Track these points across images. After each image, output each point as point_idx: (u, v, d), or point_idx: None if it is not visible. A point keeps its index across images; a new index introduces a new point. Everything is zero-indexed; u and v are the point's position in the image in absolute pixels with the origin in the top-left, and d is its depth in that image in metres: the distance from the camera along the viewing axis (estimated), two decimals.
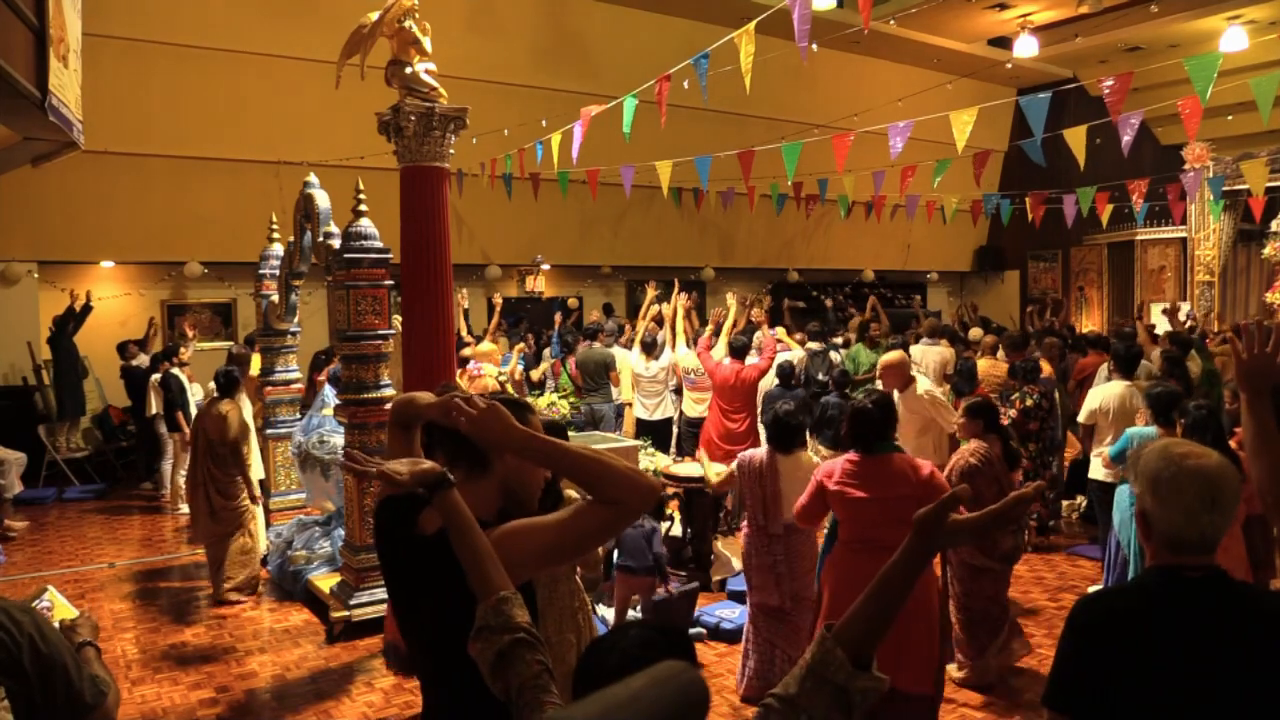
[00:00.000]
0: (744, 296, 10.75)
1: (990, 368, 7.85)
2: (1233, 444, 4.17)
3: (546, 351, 9.76)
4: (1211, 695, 1.64)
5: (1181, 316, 11.37)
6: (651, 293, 9.31)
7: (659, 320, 8.96)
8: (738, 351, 7.52)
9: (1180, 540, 1.72)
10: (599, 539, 1.94)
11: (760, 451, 4.60)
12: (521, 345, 9.11)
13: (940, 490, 3.55)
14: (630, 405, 8.62)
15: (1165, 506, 1.72)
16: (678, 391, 8.80)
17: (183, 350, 9.34)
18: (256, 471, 6.88)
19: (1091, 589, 5.98)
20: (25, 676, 1.65)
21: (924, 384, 6.13)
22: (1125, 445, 4.92)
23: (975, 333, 10.48)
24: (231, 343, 11.12)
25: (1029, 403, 6.95)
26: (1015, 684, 4.72)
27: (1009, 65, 13.30)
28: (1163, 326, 10.90)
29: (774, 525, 4.36)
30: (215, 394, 6.45)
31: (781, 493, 4.35)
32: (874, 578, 1.41)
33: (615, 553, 5.02)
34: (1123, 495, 4.91)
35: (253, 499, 6.32)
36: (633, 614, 5.21)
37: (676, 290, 8.92)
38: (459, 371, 6.61)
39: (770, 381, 7.51)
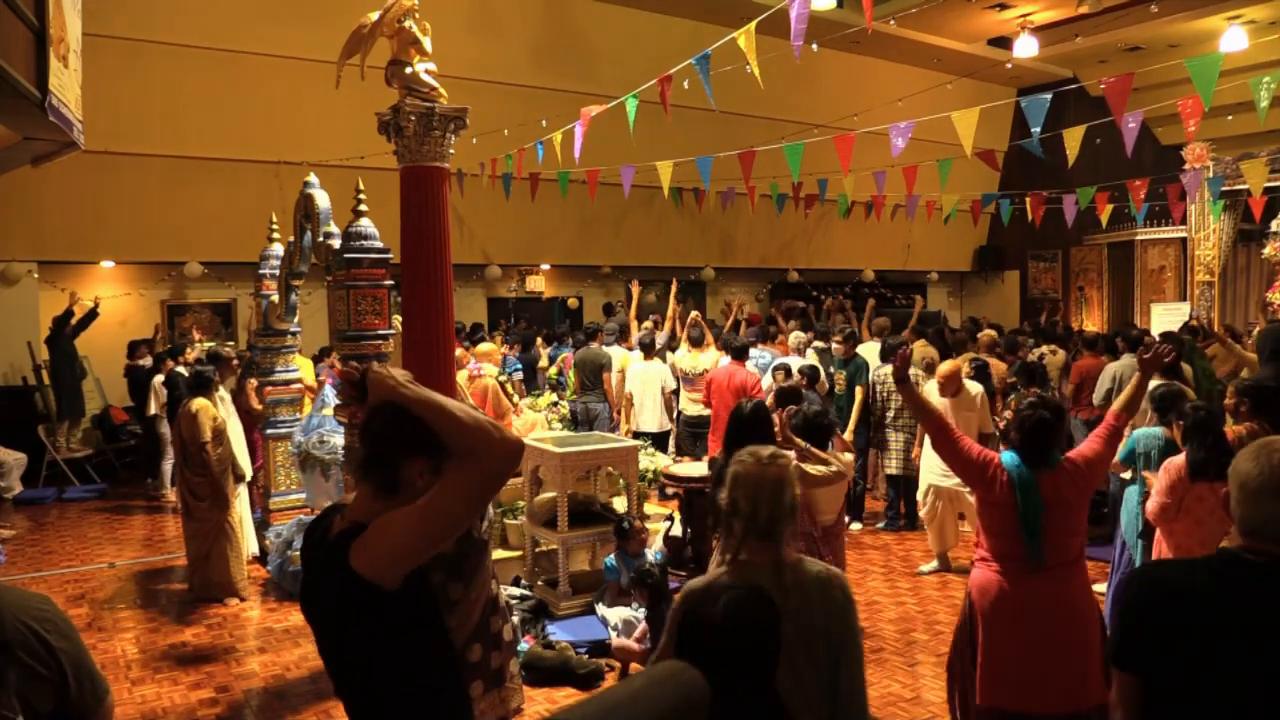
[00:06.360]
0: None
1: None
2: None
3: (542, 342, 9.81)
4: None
5: (1185, 315, 11.37)
6: (636, 291, 9.41)
7: (658, 322, 8.98)
8: (738, 353, 7.53)
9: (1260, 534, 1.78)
10: (467, 508, 1.81)
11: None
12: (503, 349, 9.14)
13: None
14: (631, 403, 8.61)
15: (1252, 507, 1.77)
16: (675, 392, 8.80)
17: (189, 350, 9.35)
18: (243, 467, 6.83)
19: (1096, 588, 5.96)
20: (62, 676, 1.74)
21: (975, 387, 6.32)
22: (1132, 446, 4.91)
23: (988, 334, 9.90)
24: (230, 342, 11.14)
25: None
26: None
27: (1009, 65, 13.30)
28: (1164, 327, 10.91)
29: (812, 527, 4.17)
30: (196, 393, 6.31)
31: (812, 493, 4.24)
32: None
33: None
34: (1130, 497, 4.88)
35: (224, 504, 6.08)
36: (618, 613, 5.21)
37: (674, 290, 8.92)
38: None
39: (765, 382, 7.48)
